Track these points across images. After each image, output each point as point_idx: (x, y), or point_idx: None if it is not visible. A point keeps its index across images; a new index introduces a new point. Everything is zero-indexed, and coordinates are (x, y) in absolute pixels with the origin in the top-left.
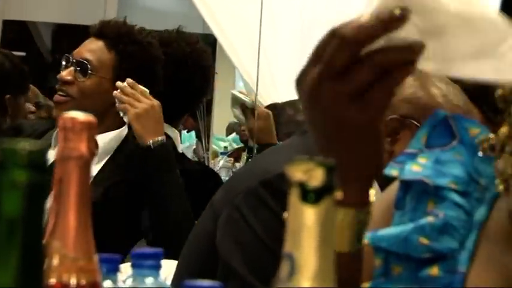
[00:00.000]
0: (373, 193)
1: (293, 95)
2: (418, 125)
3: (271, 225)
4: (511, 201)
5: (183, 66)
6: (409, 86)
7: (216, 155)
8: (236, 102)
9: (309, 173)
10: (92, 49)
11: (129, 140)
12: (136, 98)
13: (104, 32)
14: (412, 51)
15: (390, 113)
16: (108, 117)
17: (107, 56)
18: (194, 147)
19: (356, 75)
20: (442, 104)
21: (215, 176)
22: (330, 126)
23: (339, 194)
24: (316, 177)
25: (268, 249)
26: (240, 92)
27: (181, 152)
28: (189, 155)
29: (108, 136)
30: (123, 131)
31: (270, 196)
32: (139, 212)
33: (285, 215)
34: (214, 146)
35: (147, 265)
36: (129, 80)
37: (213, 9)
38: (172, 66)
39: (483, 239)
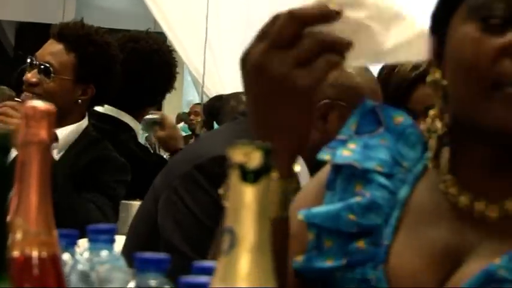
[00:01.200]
0: (298, 167)
1: (237, 88)
2: (344, 105)
3: (206, 205)
4: (440, 176)
5: (150, 62)
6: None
7: None
8: (148, 126)
9: (248, 155)
10: (52, 52)
11: (88, 132)
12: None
13: (64, 34)
14: (341, 45)
15: (319, 98)
16: (71, 114)
17: (67, 58)
18: (146, 134)
19: (302, 44)
20: (360, 82)
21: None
22: (272, 94)
23: (274, 175)
24: (254, 159)
25: (204, 226)
26: (151, 113)
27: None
28: (142, 141)
29: (68, 129)
30: (83, 123)
31: (203, 178)
32: None
33: (220, 191)
34: None
35: (102, 239)
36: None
37: (163, 9)
38: (140, 62)
39: (405, 215)
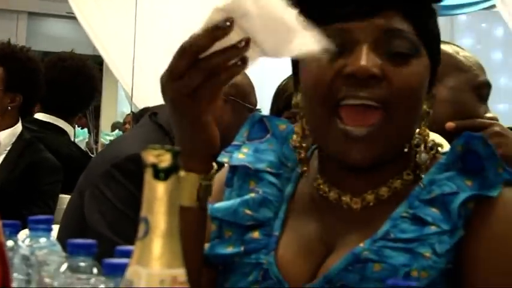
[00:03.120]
0: (215, 165)
1: (162, 101)
2: (233, 98)
3: (124, 197)
4: (313, 176)
5: (76, 77)
6: None
7: (103, 146)
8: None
9: (159, 157)
10: None
11: (23, 135)
12: None
13: None
14: (237, 49)
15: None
16: (4, 119)
17: None
18: (87, 140)
19: (189, 78)
20: (241, 79)
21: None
22: (175, 116)
23: (182, 173)
24: (165, 160)
25: (125, 215)
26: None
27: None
28: (83, 146)
29: (5, 133)
30: (17, 128)
31: (120, 175)
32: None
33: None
34: (102, 140)
35: (40, 228)
36: None
37: (98, 35)
38: (68, 77)
39: (291, 209)
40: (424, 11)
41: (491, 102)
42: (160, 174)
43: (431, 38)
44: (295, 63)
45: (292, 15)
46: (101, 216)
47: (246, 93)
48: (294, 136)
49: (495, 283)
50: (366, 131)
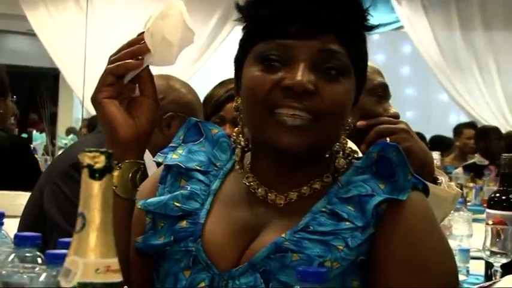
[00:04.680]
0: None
1: None
2: (183, 115)
3: (79, 193)
4: (244, 174)
5: None
6: (171, 93)
7: (59, 148)
8: None
9: (94, 159)
10: None
11: None
12: None
13: None
14: (138, 50)
15: (164, 111)
16: None
17: None
18: (45, 143)
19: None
20: (192, 98)
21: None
22: (105, 124)
23: (115, 173)
24: (99, 161)
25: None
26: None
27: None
28: (41, 148)
29: None
30: None
31: (77, 174)
32: None
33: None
34: (58, 143)
35: None
36: None
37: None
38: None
39: (216, 201)
40: (356, 36)
41: (400, 109)
42: (96, 174)
43: (360, 60)
44: (238, 70)
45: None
46: (58, 209)
47: (193, 111)
48: (234, 135)
49: (401, 275)
50: (299, 122)
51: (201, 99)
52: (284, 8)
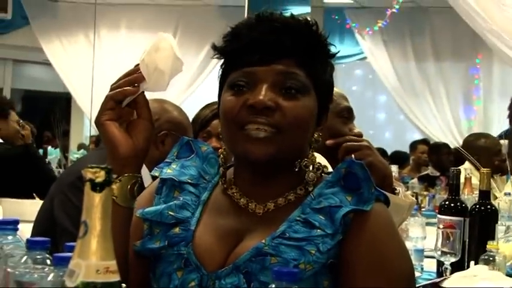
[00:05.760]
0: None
1: None
2: (175, 133)
3: None
4: (228, 186)
5: None
6: (165, 114)
7: (71, 162)
8: None
9: (95, 174)
10: None
11: None
12: None
13: None
14: (135, 79)
15: (159, 130)
16: None
17: None
18: (58, 157)
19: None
20: (182, 119)
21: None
22: (107, 143)
23: (114, 186)
24: (100, 176)
25: None
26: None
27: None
28: (55, 162)
29: None
30: None
31: (82, 185)
32: None
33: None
34: (71, 157)
35: (8, 228)
36: None
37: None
38: None
39: (206, 210)
40: (316, 62)
41: (362, 128)
42: (97, 187)
43: (320, 82)
44: (219, 97)
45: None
46: (66, 216)
47: (184, 130)
48: (221, 153)
49: (367, 275)
50: (263, 134)
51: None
52: (248, 41)
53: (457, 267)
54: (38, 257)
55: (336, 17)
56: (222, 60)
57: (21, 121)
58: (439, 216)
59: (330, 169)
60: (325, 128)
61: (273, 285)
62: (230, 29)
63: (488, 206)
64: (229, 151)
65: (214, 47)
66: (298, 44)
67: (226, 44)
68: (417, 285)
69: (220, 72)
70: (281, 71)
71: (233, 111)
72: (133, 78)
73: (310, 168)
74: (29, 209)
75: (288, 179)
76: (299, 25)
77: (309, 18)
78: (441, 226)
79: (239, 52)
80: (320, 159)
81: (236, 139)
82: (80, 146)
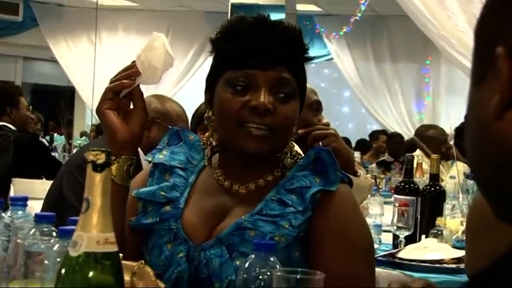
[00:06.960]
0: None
1: None
2: (160, 121)
3: None
4: (214, 169)
5: None
6: (155, 103)
7: (74, 147)
8: None
9: (97, 156)
10: None
11: None
12: None
13: None
14: (131, 73)
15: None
16: None
17: None
18: (63, 143)
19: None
20: (171, 111)
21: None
22: (106, 129)
23: (113, 167)
24: (101, 158)
25: None
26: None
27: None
28: (60, 147)
29: None
30: None
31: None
32: None
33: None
34: (74, 143)
35: (18, 204)
36: None
37: (72, 72)
38: None
39: (193, 191)
40: (302, 68)
41: (329, 120)
42: (98, 168)
43: (303, 86)
44: (209, 89)
45: (161, 62)
46: (73, 193)
47: (171, 119)
48: (204, 138)
49: (333, 247)
50: (262, 133)
51: (182, 111)
52: (248, 44)
53: (410, 240)
54: (45, 229)
55: (307, 23)
56: (215, 54)
57: (30, 106)
58: (395, 195)
59: (303, 155)
60: (297, 119)
61: (252, 255)
62: (227, 26)
63: (437, 187)
64: (223, 141)
65: (213, 42)
66: (291, 52)
67: (225, 42)
68: (376, 256)
69: (213, 64)
70: (277, 77)
71: (233, 109)
72: (130, 72)
73: (288, 155)
74: (37, 188)
75: (268, 164)
76: (294, 33)
77: (296, 27)
78: (397, 204)
79: (239, 52)
80: (295, 147)
81: (235, 134)
82: (82, 134)
